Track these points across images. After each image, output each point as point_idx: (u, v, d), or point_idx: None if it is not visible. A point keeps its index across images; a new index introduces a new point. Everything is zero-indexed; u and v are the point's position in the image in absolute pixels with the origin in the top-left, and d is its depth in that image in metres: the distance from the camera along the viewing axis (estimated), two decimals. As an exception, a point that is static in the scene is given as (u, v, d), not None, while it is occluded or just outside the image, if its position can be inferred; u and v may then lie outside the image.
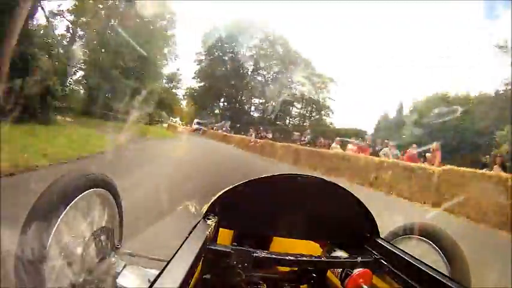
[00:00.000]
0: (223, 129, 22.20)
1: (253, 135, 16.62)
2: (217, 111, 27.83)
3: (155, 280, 0.51)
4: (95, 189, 1.00)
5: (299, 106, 26.92)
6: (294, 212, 0.97)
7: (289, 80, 26.30)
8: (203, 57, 26.80)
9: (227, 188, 0.92)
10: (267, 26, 25.77)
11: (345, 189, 1.01)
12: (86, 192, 0.94)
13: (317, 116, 26.36)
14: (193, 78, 27.51)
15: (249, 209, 0.95)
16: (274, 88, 26.19)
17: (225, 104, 28.05)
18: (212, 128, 24.02)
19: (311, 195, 0.98)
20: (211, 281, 0.84)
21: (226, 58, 27.20)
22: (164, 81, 23.59)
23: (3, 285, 0.79)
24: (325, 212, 1.00)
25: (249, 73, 27.11)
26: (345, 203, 1.02)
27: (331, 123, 25.11)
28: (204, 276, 0.84)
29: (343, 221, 1.03)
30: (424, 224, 1.23)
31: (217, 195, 0.92)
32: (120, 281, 0.94)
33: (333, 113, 25.83)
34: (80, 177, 0.94)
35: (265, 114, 26.37)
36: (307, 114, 26.98)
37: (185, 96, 27.45)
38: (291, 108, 27.01)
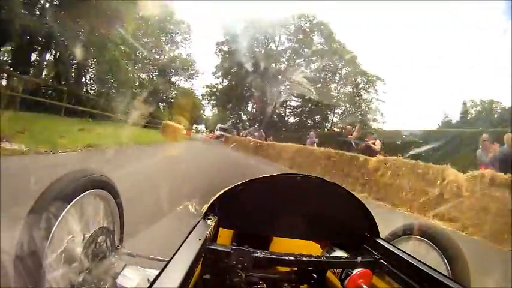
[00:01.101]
0: (256, 134, 16.71)
1: (315, 144, 9.66)
2: (244, 117, 23.16)
3: (155, 280, 0.51)
4: (94, 189, 1.00)
5: (340, 108, 22.26)
6: (294, 212, 0.97)
7: (329, 78, 21.64)
8: (226, 48, 22.01)
9: (227, 188, 0.92)
10: (305, 13, 20.98)
11: (345, 189, 1.01)
12: (85, 192, 0.94)
13: (364, 121, 21.05)
14: (214, 73, 22.61)
15: (249, 209, 0.95)
16: (313, 88, 21.13)
17: (254, 106, 22.84)
18: (239, 134, 19.57)
19: (311, 195, 0.98)
20: (211, 281, 0.84)
21: (256, 50, 21.53)
22: (172, 74, 20.27)
23: (3, 285, 0.78)
24: (325, 212, 1.00)
25: (283, 69, 21.78)
26: (344, 203, 1.02)
27: (380, 129, 19.88)
28: (203, 276, 0.84)
29: (343, 221, 1.03)
30: (424, 224, 1.23)
31: (217, 195, 0.92)
32: (120, 281, 0.94)
33: (382, 116, 21.28)
34: (79, 178, 0.94)
35: (302, 118, 22.05)
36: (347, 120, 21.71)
37: (205, 97, 23.02)
38: (332, 111, 22.21)
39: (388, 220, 3.00)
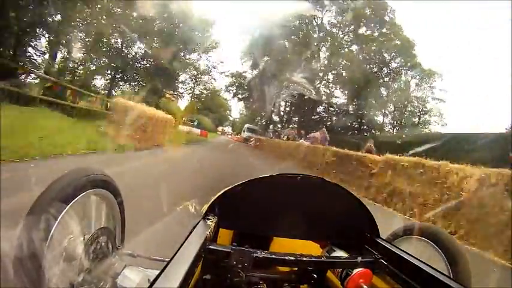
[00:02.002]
0: (317, 135, 10.32)
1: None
2: (275, 117, 18.17)
3: (155, 280, 0.51)
4: (95, 189, 1.00)
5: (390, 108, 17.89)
6: (294, 212, 0.97)
7: (376, 72, 16.93)
8: (254, 30, 17.04)
9: (227, 188, 0.92)
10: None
11: (345, 189, 1.01)
12: (86, 192, 0.94)
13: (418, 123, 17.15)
14: (242, 58, 17.69)
15: (249, 209, 0.95)
16: (359, 78, 16.28)
17: (288, 102, 17.60)
18: (279, 136, 14.16)
19: (311, 195, 0.98)
20: (211, 281, 0.84)
21: (293, 28, 16.18)
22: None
23: (3, 285, 0.78)
24: (325, 212, 1.00)
25: (322, 59, 16.67)
26: (345, 203, 1.02)
27: (438, 132, 15.96)
28: (204, 276, 0.84)
29: (343, 221, 1.03)
30: (425, 225, 1.23)
31: (217, 195, 0.92)
32: (120, 281, 0.94)
33: (442, 117, 17.33)
34: (80, 178, 0.94)
35: (343, 119, 17.49)
36: (397, 121, 17.35)
37: (230, 89, 17.91)
38: (383, 111, 17.85)
39: None
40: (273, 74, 16.30)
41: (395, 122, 18.24)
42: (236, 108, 21.06)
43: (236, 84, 18.24)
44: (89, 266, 0.94)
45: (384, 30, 17.28)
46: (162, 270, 0.54)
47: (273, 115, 18.44)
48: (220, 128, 19.82)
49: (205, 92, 16.72)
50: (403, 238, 1.22)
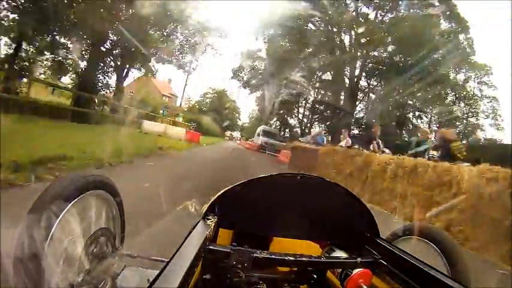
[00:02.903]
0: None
1: None
2: (292, 120, 13.70)
3: (154, 280, 0.51)
4: (94, 190, 1.00)
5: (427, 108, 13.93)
6: (294, 212, 0.97)
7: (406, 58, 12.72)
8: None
9: (227, 188, 0.92)
10: None
11: (345, 189, 1.01)
12: (85, 193, 0.94)
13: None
14: (256, 33, 13.82)
15: (249, 209, 0.95)
16: (398, 69, 12.52)
17: (317, 95, 13.33)
18: (368, 144, 6.38)
19: (311, 195, 0.98)
20: (211, 281, 0.84)
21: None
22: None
23: (3, 285, 0.78)
24: (325, 212, 1.00)
25: (362, 40, 12.67)
26: (345, 203, 1.02)
27: (495, 139, 11.83)
28: (203, 276, 0.84)
29: (343, 221, 1.03)
30: (425, 225, 1.23)
31: (217, 195, 0.92)
32: (120, 281, 0.94)
33: (500, 120, 13.54)
34: (79, 179, 0.94)
35: (385, 120, 13.23)
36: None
37: (238, 74, 13.95)
38: (426, 112, 13.90)
39: None
40: (292, 60, 12.18)
41: (440, 124, 14.45)
42: (245, 111, 18.46)
43: (247, 69, 13.85)
44: (89, 266, 0.94)
45: (433, 9, 13.49)
46: (162, 270, 0.54)
47: (288, 118, 14.17)
48: (228, 133, 17.19)
49: (210, 91, 14.29)
50: (403, 238, 1.22)
